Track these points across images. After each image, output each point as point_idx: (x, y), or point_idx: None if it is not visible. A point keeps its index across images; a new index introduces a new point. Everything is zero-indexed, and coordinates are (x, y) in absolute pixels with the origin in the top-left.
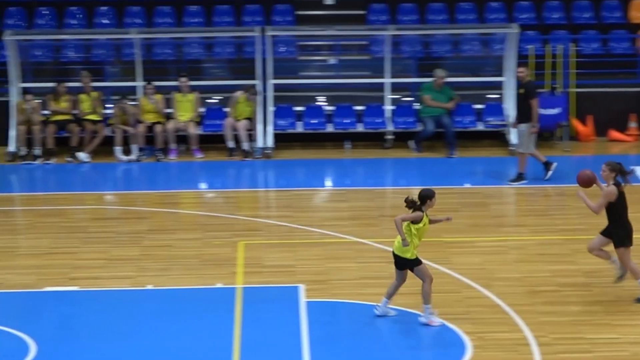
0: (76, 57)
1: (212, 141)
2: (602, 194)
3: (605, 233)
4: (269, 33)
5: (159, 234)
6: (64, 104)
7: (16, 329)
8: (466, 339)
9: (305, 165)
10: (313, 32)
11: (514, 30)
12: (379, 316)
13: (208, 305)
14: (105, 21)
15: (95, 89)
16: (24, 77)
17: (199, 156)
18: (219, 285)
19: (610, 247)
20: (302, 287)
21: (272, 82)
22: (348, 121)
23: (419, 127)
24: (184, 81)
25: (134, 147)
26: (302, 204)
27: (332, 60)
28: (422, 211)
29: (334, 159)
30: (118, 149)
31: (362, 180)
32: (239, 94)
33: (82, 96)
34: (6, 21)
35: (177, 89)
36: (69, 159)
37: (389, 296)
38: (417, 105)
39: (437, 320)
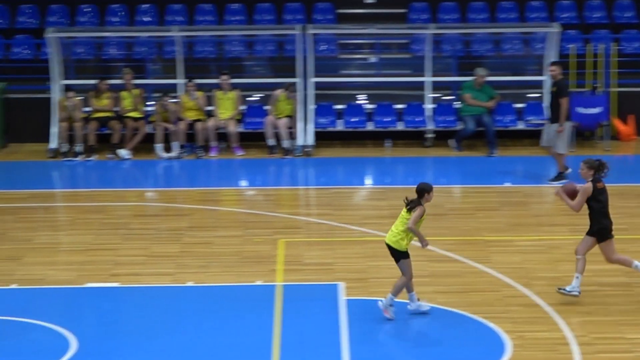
0: (118, 55)
1: (252, 139)
2: (579, 191)
3: (590, 233)
4: (310, 31)
5: (199, 231)
6: (105, 101)
7: (58, 324)
8: (506, 338)
9: (345, 164)
10: (354, 31)
11: (555, 29)
12: (412, 312)
13: (247, 303)
14: (146, 19)
15: (137, 86)
16: (66, 74)
17: (239, 154)
18: (258, 283)
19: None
20: (341, 285)
21: (312, 80)
22: (388, 119)
23: (459, 126)
24: (225, 79)
25: (175, 145)
26: (342, 202)
27: (372, 59)
28: (422, 204)
29: (374, 157)
30: (159, 146)
31: (402, 178)
32: (279, 92)
33: (124, 93)
34: (48, 18)
35: (218, 86)
36: (110, 155)
37: (410, 290)
38: (457, 104)
39: (391, 313)
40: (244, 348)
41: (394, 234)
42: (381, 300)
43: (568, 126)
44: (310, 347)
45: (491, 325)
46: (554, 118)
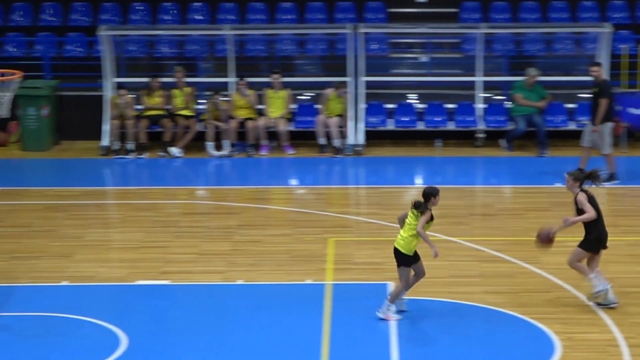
0: (169, 53)
1: (303, 137)
2: (580, 206)
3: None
4: (361, 30)
5: (249, 229)
6: (157, 99)
7: (108, 322)
8: (555, 339)
9: (395, 163)
10: (405, 30)
11: (606, 29)
12: (400, 311)
13: (297, 301)
14: (198, 17)
15: (188, 84)
16: (118, 72)
17: (289, 152)
18: (308, 282)
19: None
20: (391, 285)
21: (363, 79)
22: (439, 119)
23: (510, 126)
24: (276, 78)
25: (226, 143)
26: (392, 201)
27: (423, 58)
28: (428, 209)
29: (424, 157)
30: (210, 145)
31: (452, 178)
32: (329, 91)
33: (175, 91)
34: (101, 16)
35: (269, 85)
36: (161, 153)
37: (407, 288)
38: (508, 104)
39: (395, 317)
40: (293, 347)
41: (402, 238)
42: (378, 310)
43: (608, 127)
44: (359, 346)
45: (541, 326)
46: (595, 118)
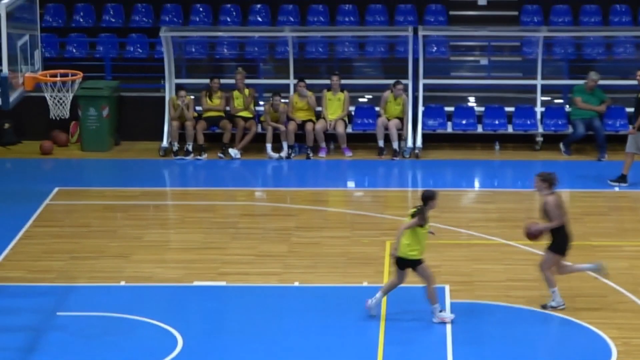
0: (230, 54)
1: (361, 140)
2: (547, 208)
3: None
4: (421, 33)
5: (306, 231)
6: (217, 101)
7: (165, 322)
8: (611, 344)
9: (453, 166)
10: (465, 33)
11: None
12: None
13: (354, 304)
14: (259, 19)
15: (248, 86)
16: (178, 73)
17: (348, 155)
18: (365, 284)
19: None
20: (447, 288)
21: (422, 82)
22: (498, 122)
23: (569, 130)
24: (335, 80)
25: (284, 145)
26: (450, 204)
27: (483, 61)
28: (425, 212)
29: (482, 160)
30: (268, 146)
31: (510, 182)
32: (387, 93)
33: (235, 93)
34: (163, 17)
35: (327, 87)
36: (220, 155)
37: (385, 292)
38: (568, 108)
39: (449, 316)
40: (349, 349)
41: (404, 245)
42: (433, 317)
43: None
44: (415, 349)
45: (597, 330)
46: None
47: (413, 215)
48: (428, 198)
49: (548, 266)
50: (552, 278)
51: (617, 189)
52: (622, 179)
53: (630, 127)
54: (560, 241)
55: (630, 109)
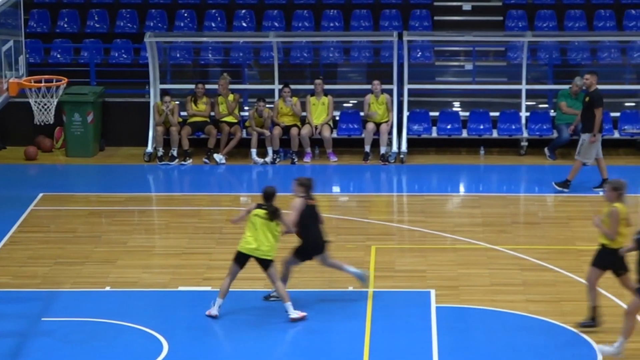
0: (215, 60)
1: (346, 145)
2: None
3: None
4: (406, 38)
5: (292, 236)
6: (202, 106)
7: (150, 327)
8: (597, 348)
9: (438, 171)
10: (450, 38)
11: None
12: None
13: (339, 308)
14: (244, 24)
15: (233, 91)
16: (163, 78)
17: (333, 160)
18: (350, 289)
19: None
20: (433, 292)
21: (407, 87)
22: (483, 127)
23: (554, 134)
24: (319, 83)
25: (269, 150)
26: (435, 209)
27: (468, 66)
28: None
29: (467, 165)
30: (253, 152)
31: (495, 186)
32: (368, 96)
33: (220, 98)
34: (147, 23)
35: (312, 92)
36: (205, 160)
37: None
38: (552, 113)
39: (299, 313)
40: (334, 354)
41: (266, 245)
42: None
43: (598, 137)
44: (400, 354)
45: (583, 335)
46: (587, 128)
47: (271, 216)
48: (272, 195)
49: (277, 273)
50: (281, 283)
51: (600, 194)
52: (565, 184)
53: (587, 134)
54: (303, 246)
55: (616, 114)
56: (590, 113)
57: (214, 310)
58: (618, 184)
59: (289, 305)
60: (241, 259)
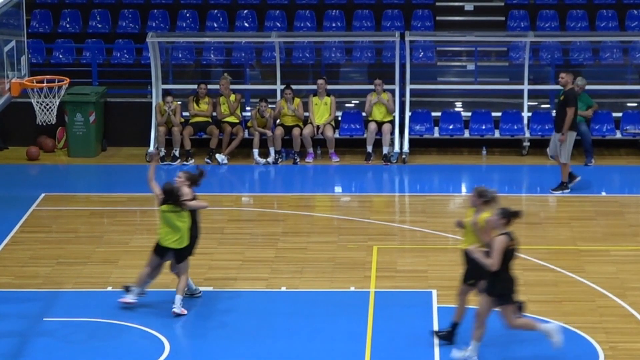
0: (217, 60)
1: (348, 145)
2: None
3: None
4: (408, 38)
5: (293, 237)
6: (204, 106)
7: (152, 327)
8: (599, 349)
9: (440, 171)
10: (452, 38)
11: None
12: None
13: (341, 309)
14: (246, 24)
15: (235, 91)
16: (165, 78)
17: (335, 160)
18: (352, 289)
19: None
20: (434, 293)
21: (409, 87)
22: (485, 127)
23: None
24: (321, 83)
25: (271, 150)
26: (437, 209)
27: (470, 66)
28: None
29: (469, 165)
30: (255, 152)
31: (497, 186)
32: (369, 95)
33: (222, 98)
34: (149, 23)
35: (314, 92)
36: (207, 160)
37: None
38: (554, 113)
39: (182, 310)
40: (336, 354)
41: (178, 236)
42: (173, 307)
43: (572, 136)
44: (402, 354)
45: (584, 335)
46: (560, 127)
47: (176, 202)
48: (170, 191)
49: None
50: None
51: (602, 194)
52: (563, 185)
53: (557, 134)
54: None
55: (618, 114)
56: (563, 112)
57: (128, 298)
58: (485, 192)
59: (179, 298)
60: (159, 251)
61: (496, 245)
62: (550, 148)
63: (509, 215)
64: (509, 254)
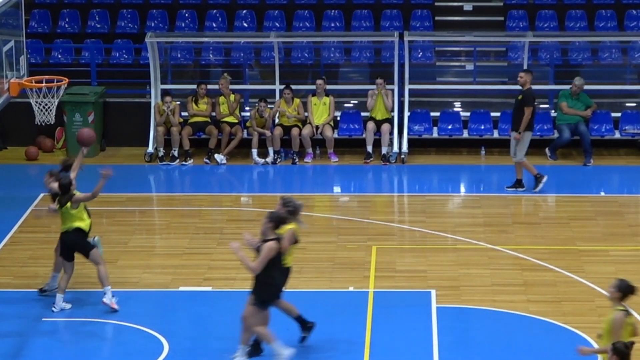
0: (216, 60)
1: (347, 145)
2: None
3: None
4: (407, 38)
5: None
6: (203, 106)
7: (151, 328)
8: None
9: (439, 171)
10: (451, 38)
11: None
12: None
13: (340, 309)
14: (245, 24)
15: (234, 91)
16: (164, 78)
17: (334, 160)
18: (351, 289)
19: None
20: (433, 293)
21: (408, 87)
22: (484, 127)
23: (555, 135)
24: (320, 83)
25: (270, 150)
26: (436, 209)
27: (469, 66)
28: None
29: (468, 165)
30: (254, 152)
31: (496, 187)
32: (370, 92)
33: (221, 98)
34: (148, 23)
35: (313, 92)
36: (206, 160)
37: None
38: (553, 113)
39: (113, 303)
40: (335, 354)
41: (79, 224)
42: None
43: (528, 135)
44: (401, 354)
45: (583, 335)
46: (517, 126)
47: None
48: (63, 186)
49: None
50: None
51: (601, 194)
52: (518, 183)
53: (514, 133)
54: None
55: (617, 114)
56: (521, 111)
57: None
58: (290, 201)
59: (109, 289)
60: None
61: (264, 251)
62: (511, 149)
63: (278, 220)
64: (276, 260)
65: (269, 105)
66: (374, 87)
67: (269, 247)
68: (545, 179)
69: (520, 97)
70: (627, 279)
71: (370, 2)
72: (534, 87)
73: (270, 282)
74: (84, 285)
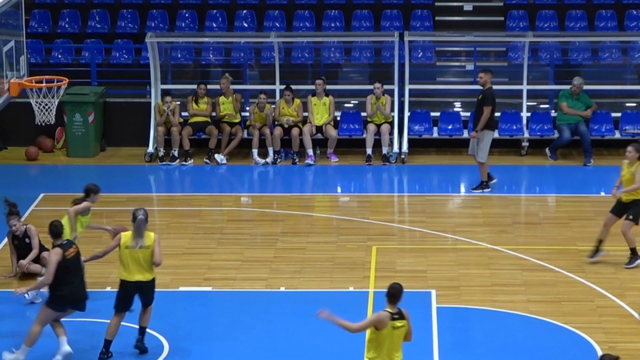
0: (216, 60)
1: (346, 145)
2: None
3: None
4: (407, 38)
5: (293, 237)
6: (203, 106)
7: (151, 327)
8: (598, 349)
9: (439, 171)
10: (451, 38)
11: None
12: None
13: (340, 309)
14: (245, 24)
15: (234, 91)
16: (164, 78)
17: (334, 160)
18: (351, 289)
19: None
20: (433, 293)
21: (408, 87)
22: None
23: (555, 135)
24: (319, 83)
25: (270, 150)
26: (436, 209)
27: (469, 66)
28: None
29: (468, 165)
30: (254, 152)
31: (496, 186)
32: (369, 97)
33: (221, 98)
34: (148, 23)
35: (313, 93)
36: (206, 160)
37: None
38: (553, 113)
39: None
40: (335, 354)
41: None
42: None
43: (489, 135)
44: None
45: (583, 335)
46: (477, 126)
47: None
48: (90, 191)
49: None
50: None
51: (601, 194)
52: (483, 184)
53: (473, 132)
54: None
55: (617, 114)
56: (480, 111)
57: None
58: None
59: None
60: None
61: (50, 257)
62: (470, 147)
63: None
64: (65, 266)
65: (268, 100)
66: (373, 87)
67: (54, 253)
68: (488, 189)
69: (480, 96)
70: None
71: (370, 2)
72: (534, 87)
73: (60, 290)
74: None
